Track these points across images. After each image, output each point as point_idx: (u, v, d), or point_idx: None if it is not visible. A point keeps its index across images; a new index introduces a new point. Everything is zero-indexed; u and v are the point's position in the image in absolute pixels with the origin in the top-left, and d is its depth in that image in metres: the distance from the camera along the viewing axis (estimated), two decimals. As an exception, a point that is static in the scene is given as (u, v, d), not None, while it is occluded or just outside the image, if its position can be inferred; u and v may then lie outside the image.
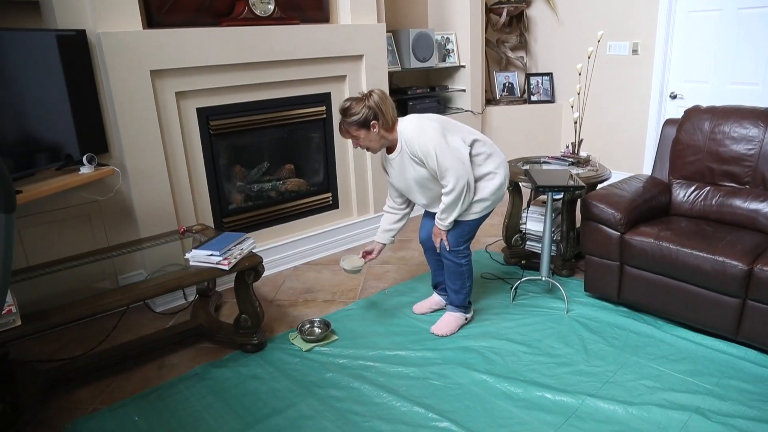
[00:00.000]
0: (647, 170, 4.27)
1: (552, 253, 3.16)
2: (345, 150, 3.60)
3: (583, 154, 3.33)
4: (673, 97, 4.24)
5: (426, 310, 2.73)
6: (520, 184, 3.05)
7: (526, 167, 3.09)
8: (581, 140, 3.32)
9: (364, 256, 2.63)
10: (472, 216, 2.38)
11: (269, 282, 3.19)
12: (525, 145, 4.89)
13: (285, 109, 3.25)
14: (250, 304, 2.39)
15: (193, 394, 2.16)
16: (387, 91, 3.68)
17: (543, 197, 3.42)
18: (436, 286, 2.77)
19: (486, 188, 2.35)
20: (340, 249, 3.63)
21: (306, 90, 3.30)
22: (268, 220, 3.35)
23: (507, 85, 5.06)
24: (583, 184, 2.61)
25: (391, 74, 3.85)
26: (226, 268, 2.22)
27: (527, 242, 3.26)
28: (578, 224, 2.99)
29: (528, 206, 3.21)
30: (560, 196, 3.21)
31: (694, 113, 2.88)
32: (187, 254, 2.28)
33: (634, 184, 2.86)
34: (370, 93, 2.25)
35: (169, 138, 2.82)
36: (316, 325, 2.61)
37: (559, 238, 3.07)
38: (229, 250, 2.28)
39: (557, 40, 4.88)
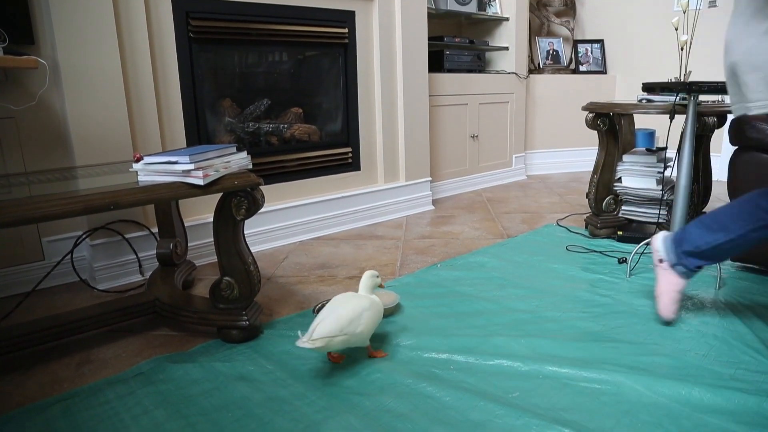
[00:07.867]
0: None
1: (661, 219, 2.28)
2: (371, 91, 2.71)
3: (692, 92, 2.47)
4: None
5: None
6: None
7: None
8: (689, 72, 2.47)
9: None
10: None
11: (265, 257, 2.25)
12: (575, 119, 4.07)
13: (295, 21, 2.38)
14: (239, 258, 1.45)
15: (129, 406, 1.19)
16: (425, 34, 2.84)
17: (639, 149, 2.54)
18: None
19: None
20: (360, 224, 2.70)
21: (324, 3, 2.45)
22: (266, 173, 2.42)
23: (551, 52, 4.26)
24: None
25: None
26: (200, 182, 1.29)
27: (622, 207, 2.37)
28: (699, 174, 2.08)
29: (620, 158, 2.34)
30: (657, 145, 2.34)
31: None
32: (134, 165, 1.34)
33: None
34: None
35: (129, 33, 1.92)
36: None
37: (669, 196, 2.18)
38: (207, 159, 1.35)
39: (608, 3, 4.17)
